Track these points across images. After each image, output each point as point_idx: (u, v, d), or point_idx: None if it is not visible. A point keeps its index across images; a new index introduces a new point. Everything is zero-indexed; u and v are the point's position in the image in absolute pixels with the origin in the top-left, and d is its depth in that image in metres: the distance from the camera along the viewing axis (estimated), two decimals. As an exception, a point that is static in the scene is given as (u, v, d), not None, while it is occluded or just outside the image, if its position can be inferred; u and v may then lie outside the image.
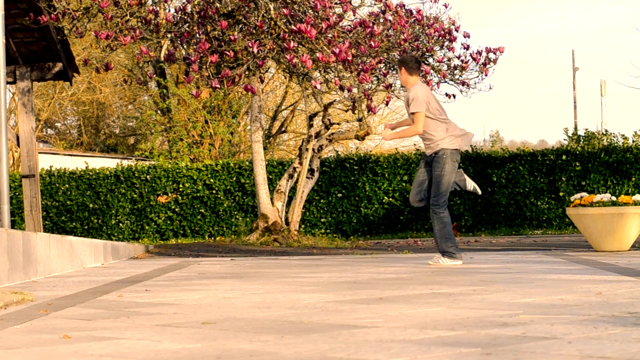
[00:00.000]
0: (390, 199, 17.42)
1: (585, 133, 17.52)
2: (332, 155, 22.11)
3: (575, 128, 18.59)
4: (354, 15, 12.38)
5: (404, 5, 12.55)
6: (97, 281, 6.87)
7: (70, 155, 27.17)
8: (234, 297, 5.26)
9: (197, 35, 11.65)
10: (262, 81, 13.26)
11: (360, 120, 13.74)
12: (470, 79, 13.20)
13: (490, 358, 2.89)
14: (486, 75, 13.13)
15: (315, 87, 11.71)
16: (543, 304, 4.48)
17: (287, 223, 14.03)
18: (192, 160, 21.73)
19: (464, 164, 17.36)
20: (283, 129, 29.59)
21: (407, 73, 8.22)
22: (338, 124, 15.34)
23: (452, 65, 13.15)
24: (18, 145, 12.45)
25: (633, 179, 16.92)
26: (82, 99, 30.31)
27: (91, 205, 18.19)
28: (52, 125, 34.00)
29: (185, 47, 11.95)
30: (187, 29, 11.71)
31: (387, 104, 13.00)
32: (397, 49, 12.23)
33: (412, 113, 8.11)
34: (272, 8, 11.37)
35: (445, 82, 13.23)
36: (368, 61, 11.55)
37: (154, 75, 23.59)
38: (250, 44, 11.08)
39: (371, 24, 11.69)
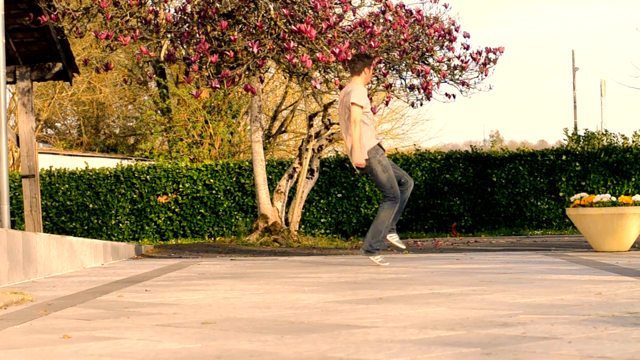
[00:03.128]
0: (390, 199, 17.40)
1: (585, 133, 17.52)
2: (332, 155, 22.12)
3: (575, 128, 18.58)
4: (354, 15, 12.38)
5: (404, 6, 12.56)
6: (97, 281, 6.87)
7: (70, 155, 27.16)
8: (233, 297, 5.26)
9: (197, 35, 11.65)
10: (262, 81, 13.25)
11: (360, 120, 13.72)
12: (470, 79, 13.20)
13: (490, 358, 2.89)
14: (486, 75, 13.13)
15: (315, 87, 11.71)
16: (543, 304, 4.48)
17: (287, 223, 14.02)
18: (192, 160, 21.72)
19: (465, 164, 17.37)
20: (283, 129, 29.59)
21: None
22: (338, 124, 15.32)
23: (452, 65, 13.15)
24: (18, 145, 12.45)
25: (633, 179, 16.92)
26: (82, 99, 30.31)
27: (91, 206, 18.19)
28: (52, 125, 33.99)
29: (185, 47, 11.95)
30: (187, 29, 11.71)
31: (387, 104, 13.00)
32: (397, 49, 12.23)
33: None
34: (272, 8, 11.37)
35: (445, 82, 13.23)
36: (368, 61, 11.53)
37: (154, 75, 23.59)
38: (250, 44, 11.08)
39: (371, 24, 11.69)
